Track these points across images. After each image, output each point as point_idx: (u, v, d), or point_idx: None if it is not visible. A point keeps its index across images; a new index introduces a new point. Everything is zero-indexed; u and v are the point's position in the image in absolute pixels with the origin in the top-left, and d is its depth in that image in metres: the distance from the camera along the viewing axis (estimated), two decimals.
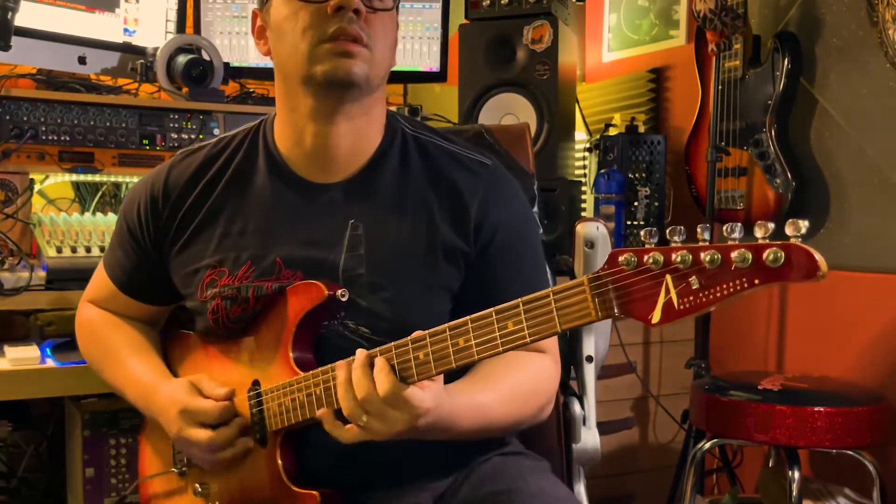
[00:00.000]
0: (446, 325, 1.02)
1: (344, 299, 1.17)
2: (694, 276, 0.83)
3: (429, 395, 1.03)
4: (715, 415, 2.05)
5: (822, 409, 1.89)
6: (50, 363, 1.59)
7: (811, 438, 1.89)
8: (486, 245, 1.25)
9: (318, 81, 1.18)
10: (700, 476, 2.41)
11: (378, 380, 1.02)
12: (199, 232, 1.29)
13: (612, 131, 2.91)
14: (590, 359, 1.54)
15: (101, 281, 1.42)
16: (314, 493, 1.16)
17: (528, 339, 0.96)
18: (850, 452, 1.98)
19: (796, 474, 1.95)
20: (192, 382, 1.25)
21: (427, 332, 1.03)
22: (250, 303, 1.23)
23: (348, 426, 1.06)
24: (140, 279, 1.37)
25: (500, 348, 0.98)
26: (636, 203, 2.75)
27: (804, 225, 0.80)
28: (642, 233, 0.88)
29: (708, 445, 2.14)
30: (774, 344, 2.55)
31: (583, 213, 2.81)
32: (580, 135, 3.03)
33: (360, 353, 1.05)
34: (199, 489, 1.29)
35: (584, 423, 1.51)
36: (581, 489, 1.50)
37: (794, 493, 1.94)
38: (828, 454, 2.24)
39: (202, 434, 1.21)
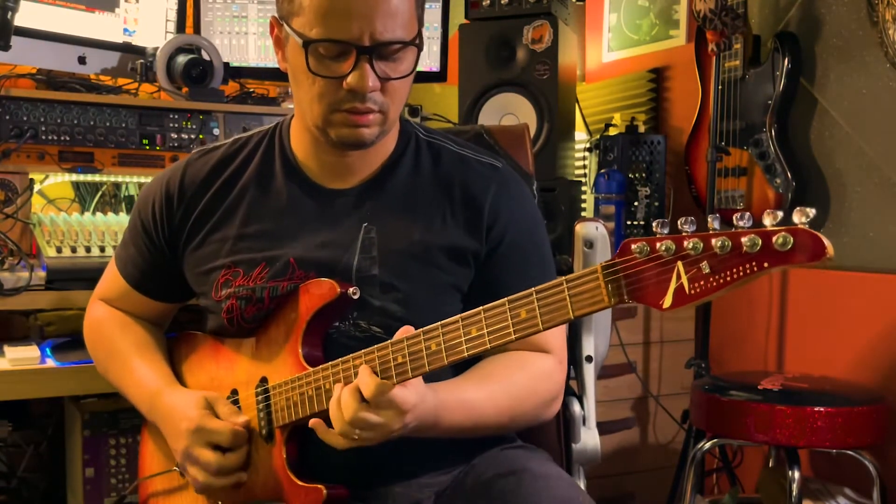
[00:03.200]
0: (459, 315, 1.03)
1: (355, 297, 1.18)
2: (705, 262, 0.86)
3: (411, 392, 1.05)
4: (715, 415, 2.05)
5: (822, 409, 1.89)
6: (50, 363, 1.59)
7: (811, 438, 1.89)
8: (496, 245, 1.27)
9: (331, 140, 1.21)
10: (700, 476, 2.41)
11: (363, 384, 1.04)
12: (213, 232, 1.29)
13: (612, 131, 2.91)
14: (590, 359, 1.54)
15: (112, 278, 1.42)
16: (319, 486, 1.16)
17: (540, 327, 0.98)
18: (850, 452, 1.98)
19: (796, 474, 1.95)
20: (207, 399, 1.24)
21: (439, 323, 1.04)
22: (265, 303, 1.24)
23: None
24: (152, 276, 1.38)
25: (513, 336, 0.99)
26: (636, 203, 2.75)
27: (811, 212, 0.82)
28: (654, 223, 0.91)
29: (708, 445, 2.14)
30: (774, 344, 2.55)
31: (583, 213, 2.81)
32: (580, 135, 3.03)
33: (338, 387, 1.08)
34: None
35: (584, 423, 1.51)
36: (576, 482, 1.50)
37: (794, 493, 1.94)
38: (828, 454, 2.24)
39: (211, 456, 1.20)
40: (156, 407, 1.29)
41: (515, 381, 1.22)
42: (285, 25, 1.18)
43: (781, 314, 2.54)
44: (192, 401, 1.24)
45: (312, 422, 1.11)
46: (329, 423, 1.18)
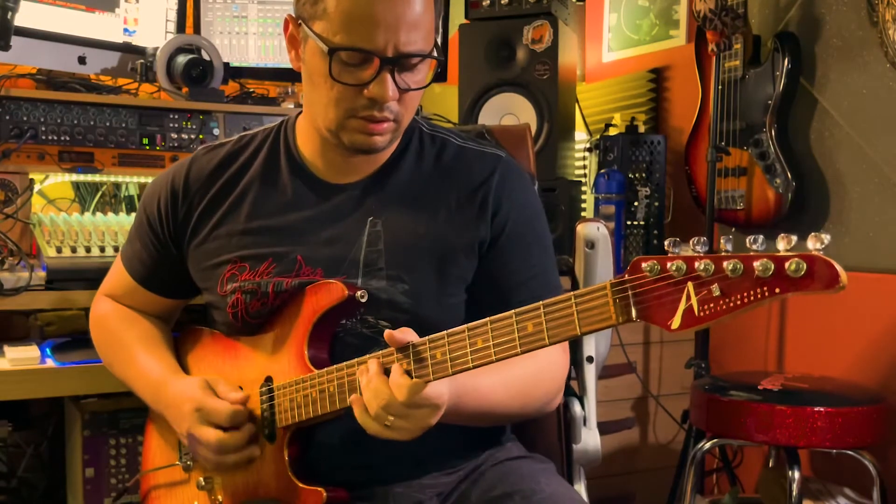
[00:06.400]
0: (465, 325, 1.02)
1: (363, 300, 1.18)
2: (715, 284, 0.85)
3: (443, 385, 1.05)
4: (715, 415, 2.05)
5: (822, 409, 1.89)
6: (50, 363, 1.58)
7: (811, 438, 1.89)
8: (499, 233, 1.28)
9: (343, 145, 1.21)
10: (700, 476, 2.41)
11: (395, 386, 1.03)
12: (219, 227, 1.30)
13: (612, 131, 2.91)
14: (590, 359, 1.54)
15: (118, 274, 1.43)
16: (320, 489, 1.16)
17: (547, 342, 0.97)
18: (850, 452, 1.98)
19: (796, 474, 1.95)
20: (207, 381, 1.25)
21: (445, 332, 1.03)
22: (269, 298, 1.24)
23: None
24: (158, 273, 1.38)
25: (518, 349, 0.99)
26: (636, 203, 2.75)
27: (826, 238, 0.81)
28: (666, 242, 0.90)
29: (708, 445, 2.14)
30: (774, 344, 2.55)
31: (583, 213, 2.81)
32: (580, 135, 3.03)
33: (373, 364, 1.06)
34: (203, 483, 1.30)
35: (585, 424, 1.51)
36: (581, 489, 1.51)
37: (794, 493, 1.94)
38: (828, 454, 2.24)
39: (212, 434, 1.21)
40: (161, 396, 1.30)
41: (528, 369, 1.23)
42: (304, 26, 1.18)
43: (781, 314, 2.54)
44: (195, 384, 1.25)
45: (352, 397, 1.08)
46: (332, 426, 1.19)
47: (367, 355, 1.10)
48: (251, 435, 1.23)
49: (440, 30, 1.24)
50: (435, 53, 1.19)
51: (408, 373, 1.04)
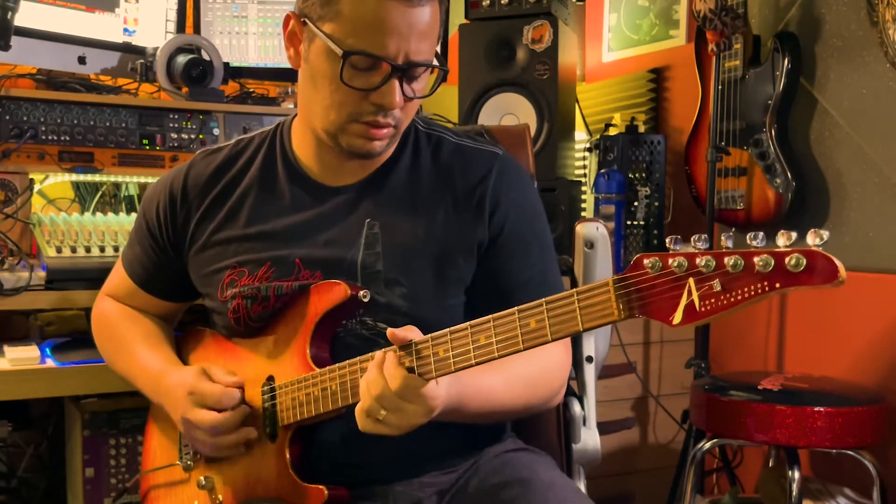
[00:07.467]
0: (468, 322, 1.02)
1: (365, 300, 1.19)
2: (716, 280, 0.86)
3: (441, 385, 1.05)
4: (715, 415, 2.05)
5: (822, 409, 1.89)
6: (50, 363, 1.59)
7: (811, 438, 1.89)
8: (497, 233, 1.27)
9: (340, 148, 1.21)
10: (700, 476, 2.41)
11: (389, 375, 1.03)
12: (217, 233, 1.30)
13: (612, 131, 2.91)
14: (590, 359, 1.54)
15: (119, 276, 1.43)
16: (321, 487, 1.16)
17: (549, 338, 0.98)
18: (850, 452, 1.98)
19: (796, 474, 1.95)
20: (203, 368, 1.26)
21: (448, 329, 1.04)
22: (271, 301, 1.25)
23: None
24: (158, 276, 1.39)
25: (521, 346, 0.99)
26: (636, 203, 2.75)
27: (825, 234, 0.83)
28: (668, 239, 0.91)
29: (708, 445, 2.14)
30: (774, 344, 2.55)
31: (583, 213, 2.81)
32: (580, 135, 3.03)
33: (378, 353, 1.07)
34: (203, 482, 1.30)
35: (585, 424, 1.51)
36: (581, 488, 1.50)
37: (794, 493, 1.94)
38: (828, 454, 2.24)
39: (206, 416, 1.21)
40: (160, 387, 1.30)
41: (531, 369, 1.23)
42: (312, 26, 1.17)
43: (781, 314, 2.54)
44: (190, 371, 1.26)
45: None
46: (333, 425, 1.20)
47: (369, 354, 1.09)
48: (246, 416, 1.23)
49: (441, 38, 1.24)
50: (436, 63, 1.20)
51: (410, 370, 1.04)
